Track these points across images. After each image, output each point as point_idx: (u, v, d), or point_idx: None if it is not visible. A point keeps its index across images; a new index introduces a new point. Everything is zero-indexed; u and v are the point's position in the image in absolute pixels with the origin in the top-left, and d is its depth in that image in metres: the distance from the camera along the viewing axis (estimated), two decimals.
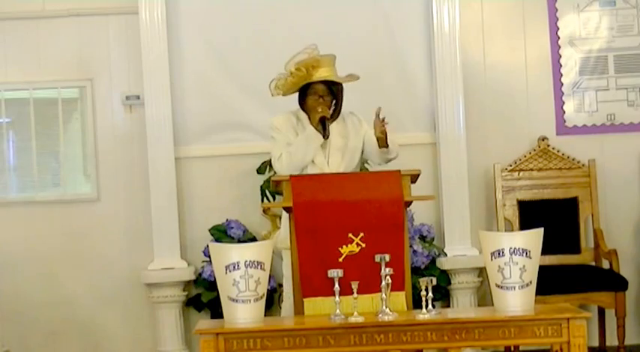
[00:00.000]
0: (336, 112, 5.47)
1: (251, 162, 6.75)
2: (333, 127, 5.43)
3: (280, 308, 6.52)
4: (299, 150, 5.35)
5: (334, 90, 5.43)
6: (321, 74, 5.41)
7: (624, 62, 7.02)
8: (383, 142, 5.29)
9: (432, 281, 4.56)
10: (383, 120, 5.24)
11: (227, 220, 6.70)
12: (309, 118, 5.43)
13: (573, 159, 6.91)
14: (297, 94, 5.53)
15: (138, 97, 6.88)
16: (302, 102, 5.49)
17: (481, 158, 6.93)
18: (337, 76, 5.47)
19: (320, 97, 5.41)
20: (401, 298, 4.90)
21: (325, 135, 5.36)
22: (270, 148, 5.53)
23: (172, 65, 6.78)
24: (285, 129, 5.44)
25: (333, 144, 5.43)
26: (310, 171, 5.36)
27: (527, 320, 4.48)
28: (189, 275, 6.67)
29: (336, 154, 5.42)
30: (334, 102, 5.44)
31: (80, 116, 6.97)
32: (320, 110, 5.38)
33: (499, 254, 4.61)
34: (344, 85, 5.50)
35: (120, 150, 6.93)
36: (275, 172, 5.64)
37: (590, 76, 7.03)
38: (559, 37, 7.03)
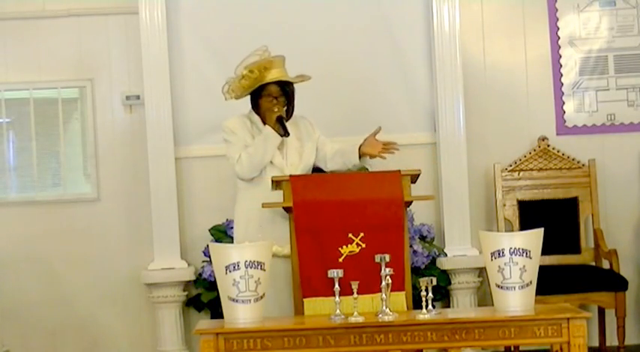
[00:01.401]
0: (290, 112, 5.47)
1: None
2: (288, 129, 5.42)
3: None
4: (258, 150, 5.33)
5: (287, 90, 5.43)
6: (275, 75, 5.41)
7: (624, 62, 7.02)
8: (365, 156, 5.33)
9: (432, 282, 4.56)
10: (388, 143, 5.25)
11: (227, 220, 6.70)
12: (263, 120, 5.42)
13: (573, 159, 6.91)
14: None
15: (138, 97, 6.88)
16: (254, 105, 5.48)
17: (481, 158, 6.93)
18: (288, 76, 5.46)
19: (274, 98, 5.41)
20: (401, 298, 4.90)
21: (286, 133, 5.35)
22: (226, 151, 5.51)
23: (172, 65, 6.78)
24: (241, 131, 5.42)
25: (290, 145, 5.42)
26: (269, 171, 5.34)
27: (527, 320, 4.48)
28: (190, 276, 6.67)
29: (294, 155, 5.42)
30: (287, 102, 5.44)
31: (80, 116, 6.97)
32: (276, 110, 5.38)
33: (499, 254, 4.61)
34: (295, 85, 5.50)
35: (120, 150, 6.93)
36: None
37: (590, 76, 7.03)
38: (559, 37, 7.03)
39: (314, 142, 5.50)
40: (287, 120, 5.43)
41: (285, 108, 5.43)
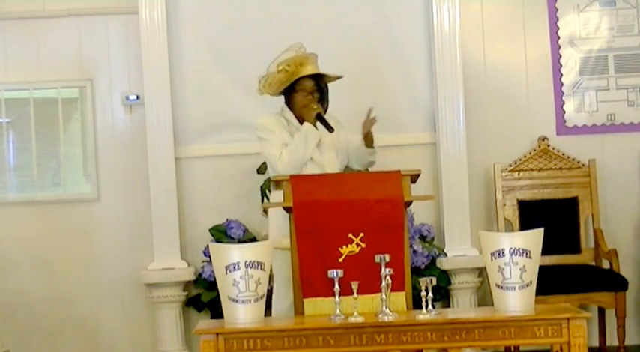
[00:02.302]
0: (325, 109, 5.47)
1: (251, 162, 6.74)
2: (320, 127, 5.42)
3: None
4: (299, 147, 5.35)
5: (322, 86, 5.44)
6: (310, 70, 5.42)
7: (624, 62, 7.02)
8: (370, 142, 5.32)
9: (432, 282, 4.56)
10: (373, 118, 5.26)
11: (227, 220, 6.70)
12: (297, 117, 5.42)
13: (573, 159, 6.91)
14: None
15: (138, 97, 6.89)
16: (289, 100, 5.48)
17: (481, 158, 6.93)
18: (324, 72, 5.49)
19: (309, 94, 5.41)
20: (401, 298, 4.90)
21: (331, 129, 5.35)
22: (261, 149, 5.51)
23: (172, 65, 6.79)
24: (278, 129, 5.43)
25: (326, 141, 5.43)
26: (310, 168, 5.36)
27: (527, 320, 4.48)
28: (190, 276, 6.67)
29: (331, 152, 5.43)
30: (320, 99, 5.45)
31: (80, 116, 6.97)
32: (315, 107, 5.38)
33: (499, 254, 4.61)
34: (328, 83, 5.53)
35: (120, 150, 6.93)
36: (269, 172, 5.61)
37: (590, 76, 7.03)
38: (559, 37, 7.03)
39: (344, 139, 5.51)
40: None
41: (320, 104, 5.43)
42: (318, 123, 5.40)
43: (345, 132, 5.54)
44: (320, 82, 5.45)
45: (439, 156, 6.81)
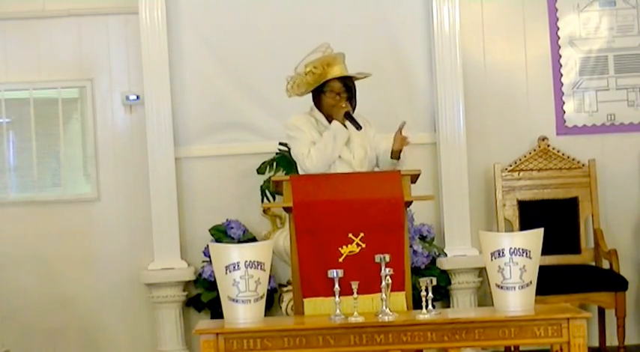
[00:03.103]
0: (353, 108, 5.47)
1: (251, 162, 6.74)
2: (350, 126, 5.42)
3: (280, 308, 6.53)
4: (327, 146, 5.33)
5: (350, 86, 5.44)
6: (337, 71, 5.42)
7: (624, 62, 7.02)
8: (396, 155, 5.32)
9: (432, 282, 4.57)
10: (405, 137, 5.26)
11: (227, 220, 6.70)
12: (326, 117, 5.42)
13: (573, 159, 6.91)
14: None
15: (138, 97, 6.89)
16: (317, 101, 5.48)
17: (481, 158, 6.93)
18: (350, 73, 5.47)
19: (337, 95, 5.41)
20: (401, 298, 4.90)
21: (359, 127, 5.35)
22: (291, 148, 5.52)
23: (172, 65, 6.78)
24: (307, 128, 5.42)
25: (355, 140, 5.42)
26: (338, 166, 5.35)
27: (527, 320, 4.48)
28: (189, 276, 6.67)
29: (359, 150, 5.42)
30: (348, 98, 5.44)
31: (80, 116, 6.97)
32: (344, 106, 5.38)
33: (499, 254, 4.61)
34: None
35: (120, 150, 6.93)
36: (299, 170, 5.59)
37: (590, 76, 7.03)
38: (559, 37, 7.03)
39: (373, 140, 5.49)
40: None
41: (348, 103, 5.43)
42: (347, 122, 5.39)
43: (375, 132, 5.51)
44: (348, 82, 5.44)
45: (439, 156, 6.81)
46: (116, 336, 6.90)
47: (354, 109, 5.47)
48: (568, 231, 6.80)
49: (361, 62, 6.77)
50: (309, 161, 5.35)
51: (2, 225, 6.87)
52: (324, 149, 5.32)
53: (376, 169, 5.47)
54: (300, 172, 5.45)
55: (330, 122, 5.39)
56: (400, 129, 5.31)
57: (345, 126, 5.35)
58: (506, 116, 7.00)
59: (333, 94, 5.41)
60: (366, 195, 4.98)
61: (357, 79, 5.50)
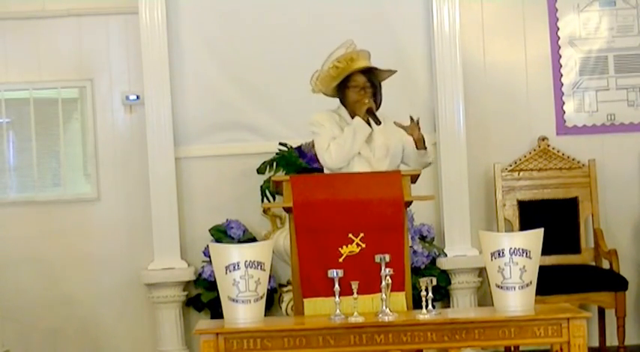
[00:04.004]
0: (378, 104, 5.46)
1: (251, 162, 6.75)
2: (374, 124, 5.42)
3: (280, 308, 6.53)
4: (347, 141, 5.34)
5: (375, 82, 5.43)
6: (362, 65, 5.41)
7: (624, 62, 7.02)
8: (421, 144, 5.31)
9: (432, 282, 4.56)
10: (417, 123, 5.25)
11: (227, 220, 6.70)
12: (351, 114, 5.42)
13: (573, 159, 6.91)
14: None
15: (138, 97, 6.89)
16: (342, 97, 5.48)
17: (481, 158, 6.93)
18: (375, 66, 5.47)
19: (361, 89, 5.40)
20: (401, 298, 4.90)
21: (378, 122, 5.34)
22: (315, 143, 5.52)
23: (172, 65, 6.78)
24: (329, 124, 5.43)
25: (377, 138, 5.41)
26: (357, 163, 5.35)
27: (527, 320, 4.48)
28: (189, 276, 6.67)
29: (381, 149, 5.41)
30: (373, 95, 5.44)
31: (80, 116, 6.97)
32: (366, 102, 5.37)
33: (499, 254, 4.61)
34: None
35: (120, 150, 6.93)
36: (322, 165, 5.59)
37: (590, 76, 7.03)
38: (559, 37, 7.03)
39: (399, 140, 5.46)
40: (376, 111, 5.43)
41: (372, 99, 5.42)
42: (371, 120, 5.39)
43: (402, 134, 5.47)
44: (372, 77, 5.44)
45: (439, 156, 6.80)
46: (116, 336, 6.90)
47: (379, 106, 5.45)
48: (568, 231, 6.80)
49: None
50: (327, 155, 5.37)
51: (2, 225, 6.87)
52: (343, 144, 5.33)
53: (402, 166, 5.45)
54: (325, 170, 5.46)
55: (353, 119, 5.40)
56: (411, 120, 5.29)
57: (368, 123, 5.34)
58: (506, 116, 7.00)
59: (357, 89, 5.41)
60: (366, 195, 4.98)
61: (382, 78, 5.48)
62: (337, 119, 5.45)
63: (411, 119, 5.31)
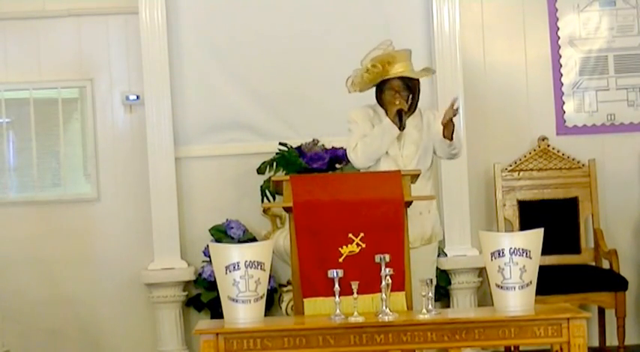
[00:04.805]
0: (413, 106, 5.46)
1: (251, 162, 6.74)
2: (410, 121, 5.41)
3: (280, 308, 6.53)
4: (374, 141, 5.35)
5: (410, 85, 5.43)
6: (397, 70, 5.40)
7: (624, 62, 7.02)
8: (448, 133, 5.29)
9: (432, 282, 4.57)
10: (454, 108, 5.22)
11: (227, 220, 6.70)
12: (386, 112, 5.42)
13: (573, 159, 6.91)
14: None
15: (138, 97, 6.88)
16: (379, 97, 5.48)
17: (481, 158, 6.93)
18: (412, 70, 5.45)
19: (396, 92, 5.40)
20: (401, 298, 4.90)
21: (401, 126, 5.34)
22: (347, 140, 5.53)
23: (172, 65, 6.78)
24: (362, 121, 5.44)
25: (409, 136, 5.41)
26: (384, 163, 5.36)
27: (527, 320, 4.48)
28: (189, 276, 6.67)
29: (411, 147, 5.41)
30: (410, 96, 5.43)
31: (80, 116, 6.97)
32: (397, 103, 5.37)
33: (499, 254, 4.61)
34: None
35: (120, 150, 6.93)
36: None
37: (590, 76, 7.03)
38: (559, 37, 7.03)
39: (436, 132, 5.42)
40: (410, 114, 5.42)
41: (408, 101, 5.41)
42: (412, 117, 5.38)
43: (438, 126, 5.40)
44: (407, 81, 5.43)
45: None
46: (116, 336, 6.90)
47: (415, 106, 5.45)
48: (568, 231, 6.80)
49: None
50: (353, 153, 5.41)
51: (2, 225, 6.87)
52: (370, 144, 5.36)
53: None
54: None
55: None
56: (452, 104, 5.26)
57: (399, 124, 5.34)
58: (506, 116, 7.00)
59: (393, 92, 5.41)
60: (366, 195, 4.98)
61: (418, 77, 5.46)
62: (371, 115, 5.47)
63: (452, 104, 5.25)
